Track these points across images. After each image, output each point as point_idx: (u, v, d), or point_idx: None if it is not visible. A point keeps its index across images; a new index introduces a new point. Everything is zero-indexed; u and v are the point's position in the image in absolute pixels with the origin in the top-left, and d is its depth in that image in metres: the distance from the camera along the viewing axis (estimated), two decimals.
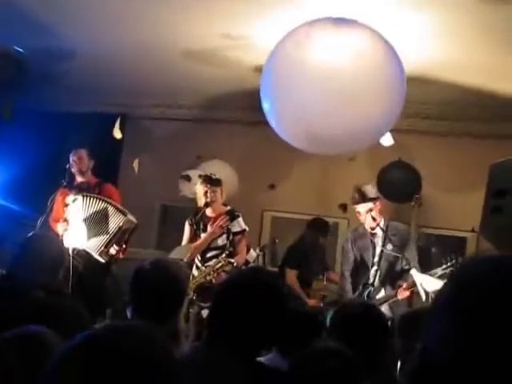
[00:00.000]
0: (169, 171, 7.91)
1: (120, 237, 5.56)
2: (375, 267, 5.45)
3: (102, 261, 5.52)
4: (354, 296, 5.46)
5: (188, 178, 7.23)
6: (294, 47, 4.10)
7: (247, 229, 5.62)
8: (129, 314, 2.80)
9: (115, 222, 5.55)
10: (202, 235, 5.51)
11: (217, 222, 5.49)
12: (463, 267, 1.20)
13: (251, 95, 6.67)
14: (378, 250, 5.44)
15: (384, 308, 5.00)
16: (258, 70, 4.58)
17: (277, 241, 7.76)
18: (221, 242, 5.50)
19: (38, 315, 2.32)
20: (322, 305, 6.24)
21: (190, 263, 5.41)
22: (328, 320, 3.13)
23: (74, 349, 1.25)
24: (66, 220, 5.56)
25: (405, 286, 5.20)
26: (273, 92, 4.30)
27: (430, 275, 5.05)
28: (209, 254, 5.49)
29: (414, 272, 5.13)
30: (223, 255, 5.32)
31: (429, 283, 4.88)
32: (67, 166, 5.89)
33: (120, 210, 5.61)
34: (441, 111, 7.30)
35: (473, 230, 6.83)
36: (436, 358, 1.11)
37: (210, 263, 5.37)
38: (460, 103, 6.96)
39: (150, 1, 4.97)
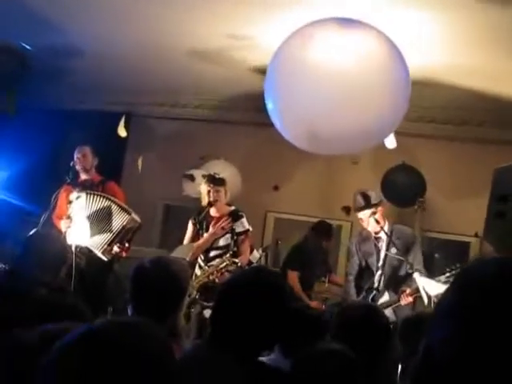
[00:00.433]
0: (172, 170, 7.92)
1: (123, 236, 5.55)
2: (380, 271, 5.43)
3: (105, 259, 5.52)
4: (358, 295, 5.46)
5: (191, 178, 7.23)
6: (298, 47, 4.10)
7: (251, 229, 5.62)
8: (129, 312, 2.79)
9: (119, 220, 5.55)
10: (205, 235, 5.51)
11: (219, 224, 5.49)
12: (467, 269, 1.20)
13: (256, 96, 6.66)
14: (383, 254, 5.43)
15: (388, 311, 4.98)
16: (263, 70, 4.58)
17: (279, 242, 7.76)
18: (224, 241, 5.49)
19: (40, 313, 2.31)
20: (323, 307, 6.24)
21: (193, 262, 5.41)
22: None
23: (70, 344, 1.24)
24: (69, 217, 5.56)
25: (408, 291, 5.17)
26: (276, 92, 4.30)
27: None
28: (212, 254, 5.49)
29: (416, 275, 5.11)
30: (227, 255, 5.32)
31: (431, 287, 4.86)
32: (71, 163, 5.89)
33: (124, 208, 5.61)
34: (445, 115, 7.29)
35: (476, 235, 6.81)
36: (439, 357, 1.11)
37: (214, 263, 5.36)
38: (465, 107, 6.96)
39: (155, 0, 4.98)
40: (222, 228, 5.49)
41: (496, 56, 5.29)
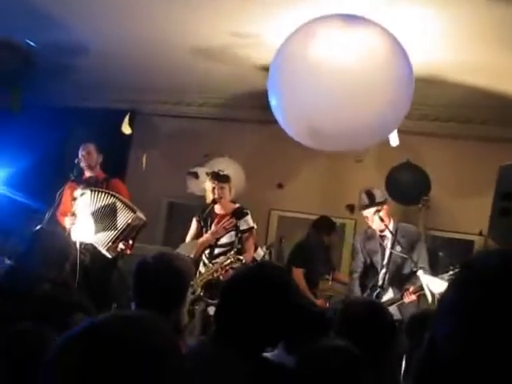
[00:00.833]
0: (177, 168, 7.92)
1: (128, 233, 5.55)
2: (384, 269, 5.43)
3: (109, 256, 5.53)
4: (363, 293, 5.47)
5: (196, 175, 7.23)
6: (301, 44, 4.11)
7: (255, 226, 5.62)
8: (133, 308, 2.80)
9: (123, 217, 5.55)
10: (208, 232, 5.52)
11: (221, 223, 5.50)
12: (468, 262, 1.20)
13: (260, 94, 6.64)
14: (387, 252, 5.43)
15: (393, 309, 4.97)
16: (267, 68, 4.58)
17: (283, 240, 7.75)
18: (229, 239, 5.49)
19: (44, 308, 2.32)
20: (327, 305, 6.23)
21: (197, 260, 5.41)
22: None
23: (72, 338, 1.23)
24: (73, 214, 5.56)
25: (411, 289, 5.17)
26: (279, 89, 4.30)
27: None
28: (216, 251, 5.49)
29: (420, 273, 5.10)
30: (232, 252, 5.33)
31: (435, 285, 4.85)
32: (76, 160, 5.91)
33: (129, 206, 5.61)
34: (449, 113, 7.28)
35: (480, 234, 6.79)
36: (442, 353, 1.10)
37: (218, 260, 5.37)
38: (469, 105, 6.95)
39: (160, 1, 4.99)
40: (224, 228, 5.49)
41: (500, 53, 5.28)
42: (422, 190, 6.95)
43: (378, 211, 5.36)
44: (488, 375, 1.03)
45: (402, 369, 3.12)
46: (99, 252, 5.52)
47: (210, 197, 5.53)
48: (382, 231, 5.44)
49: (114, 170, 6.57)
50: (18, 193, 6.97)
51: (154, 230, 8.15)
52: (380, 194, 5.50)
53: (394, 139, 6.22)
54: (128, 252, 5.59)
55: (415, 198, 6.88)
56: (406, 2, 4.49)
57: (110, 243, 5.50)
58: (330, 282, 6.73)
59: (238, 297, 2.28)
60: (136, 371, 1.18)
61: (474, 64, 5.58)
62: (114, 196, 5.61)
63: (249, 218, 5.56)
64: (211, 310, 5.03)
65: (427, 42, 5.16)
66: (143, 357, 1.20)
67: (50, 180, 6.49)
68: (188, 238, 5.64)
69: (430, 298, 4.94)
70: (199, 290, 5.15)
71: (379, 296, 5.38)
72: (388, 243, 5.43)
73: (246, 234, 5.52)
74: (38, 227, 4.42)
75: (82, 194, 5.59)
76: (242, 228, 5.51)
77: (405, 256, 5.31)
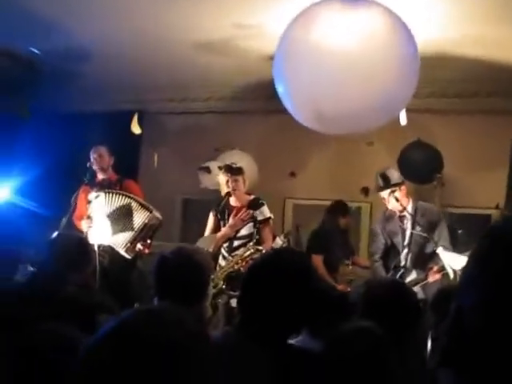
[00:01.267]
0: (188, 164, 7.92)
1: (146, 233, 5.57)
2: (406, 250, 5.42)
3: (128, 257, 5.55)
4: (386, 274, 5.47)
5: (208, 170, 7.24)
6: (301, 29, 4.11)
7: (272, 216, 5.62)
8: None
9: (140, 217, 5.56)
10: (226, 226, 5.53)
11: (239, 215, 5.50)
12: (487, 231, 1.19)
13: (266, 84, 6.64)
14: (408, 232, 5.42)
15: (416, 289, 4.97)
16: (271, 58, 4.58)
17: (300, 228, 7.76)
18: (247, 230, 5.50)
19: (68, 310, 2.34)
20: (349, 289, 6.22)
21: (216, 253, 5.43)
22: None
23: (102, 338, 1.24)
24: (89, 217, 5.59)
25: (435, 268, 5.16)
26: (284, 75, 4.31)
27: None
28: (235, 244, 5.51)
29: (440, 251, 5.09)
30: (251, 243, 5.34)
31: (456, 261, 4.84)
32: (88, 163, 5.92)
33: (144, 205, 5.62)
34: (457, 89, 7.21)
35: (497, 207, 6.77)
36: (467, 325, 1.10)
37: (238, 252, 5.38)
38: (475, 79, 6.87)
39: None
40: (242, 220, 5.50)
41: (503, 24, 5.21)
42: (435, 168, 6.91)
43: (393, 192, 5.35)
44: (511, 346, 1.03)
45: (428, 347, 3.11)
46: (118, 253, 5.54)
47: (224, 190, 5.54)
48: (401, 212, 5.43)
49: (126, 170, 6.59)
50: (32, 201, 7.00)
51: (170, 228, 8.17)
52: (397, 175, 5.49)
53: (402, 118, 6.20)
54: (146, 251, 5.60)
55: (428, 176, 6.85)
56: None
57: (129, 244, 5.51)
58: (350, 267, 6.74)
59: (259, 285, 2.28)
60: (164, 365, 1.19)
61: (478, 37, 5.53)
62: (129, 196, 5.63)
63: (265, 208, 5.56)
64: (234, 302, 5.04)
65: (430, 18, 5.12)
66: (171, 350, 1.20)
67: (63, 185, 6.52)
68: (207, 233, 5.65)
69: (451, 275, 4.93)
70: (221, 283, 5.17)
71: (403, 277, 5.37)
72: (408, 223, 5.42)
73: (264, 225, 5.53)
74: (56, 232, 4.43)
75: (96, 197, 5.61)
76: (258, 219, 5.51)
77: (425, 235, 5.29)
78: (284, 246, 5.29)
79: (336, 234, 6.85)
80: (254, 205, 5.54)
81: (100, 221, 5.55)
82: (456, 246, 5.51)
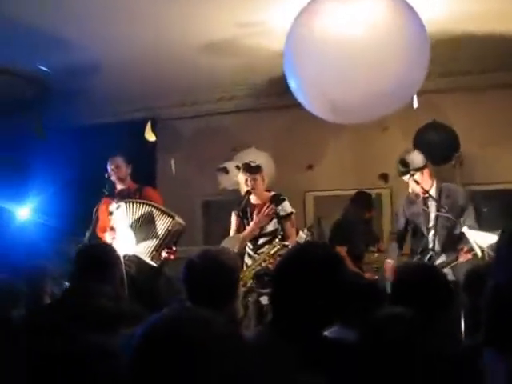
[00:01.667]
0: (205, 166, 7.95)
1: (170, 240, 5.56)
2: (432, 231, 5.39)
3: (155, 265, 5.55)
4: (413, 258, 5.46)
5: (226, 171, 7.25)
6: (308, 23, 4.11)
7: (294, 211, 5.61)
8: None
9: (163, 224, 5.55)
10: (250, 224, 5.52)
11: (262, 211, 5.49)
12: None
13: (276, 80, 6.67)
14: (432, 215, 5.39)
15: (445, 271, 4.95)
16: (278, 54, 4.58)
17: (322, 220, 7.75)
18: (271, 227, 5.50)
19: (103, 322, 2.36)
20: (376, 277, 6.21)
21: (241, 252, 5.43)
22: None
23: (136, 343, 1.25)
24: (112, 228, 5.62)
25: (466, 248, 5.12)
26: (295, 70, 4.31)
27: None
28: (260, 241, 5.50)
29: (465, 230, 5.06)
30: (276, 240, 5.34)
31: (483, 239, 4.81)
32: (106, 175, 5.95)
33: (166, 212, 5.60)
34: (465, 66, 7.14)
35: None
36: (506, 299, 1.10)
37: (264, 249, 5.38)
38: (483, 55, 6.81)
39: (161, 2, 4.99)
40: (267, 215, 5.50)
41: None
42: (452, 147, 6.87)
43: (413, 176, 5.33)
44: None
45: (462, 327, 3.10)
46: (144, 262, 5.54)
47: (244, 189, 5.54)
48: (424, 194, 5.40)
49: (144, 178, 6.60)
50: (53, 218, 7.04)
51: (193, 231, 8.19)
52: (417, 159, 5.44)
53: (414, 101, 6.17)
54: (172, 257, 5.60)
55: (446, 156, 6.81)
56: None
57: (154, 252, 5.50)
58: (376, 254, 6.72)
59: (287, 281, 2.28)
60: (191, 366, 1.20)
61: (482, 13, 5.48)
62: (150, 204, 5.63)
63: (286, 203, 5.56)
64: (264, 300, 5.06)
65: None
66: (197, 352, 1.21)
67: (83, 199, 6.55)
68: (232, 233, 5.65)
69: (479, 253, 4.90)
70: (250, 281, 5.17)
71: (431, 260, 5.34)
72: (432, 206, 5.40)
73: (286, 220, 5.52)
74: (80, 245, 4.46)
75: (117, 208, 5.62)
76: (281, 214, 5.51)
77: (450, 217, 5.26)
78: (308, 239, 5.28)
79: (359, 225, 6.86)
80: (275, 201, 5.53)
81: (123, 231, 5.56)
82: (482, 225, 5.47)
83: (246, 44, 6.07)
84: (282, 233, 5.46)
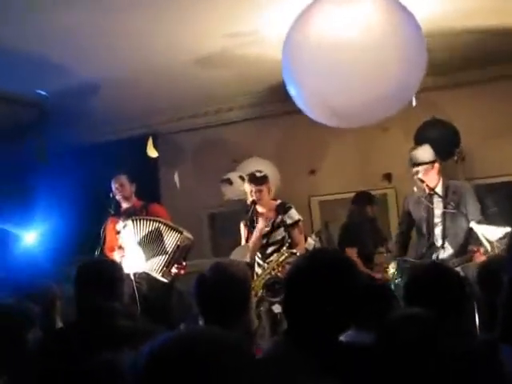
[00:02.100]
0: (209, 179, 7.97)
1: (179, 255, 5.56)
2: (440, 227, 5.38)
3: (166, 281, 5.54)
4: (419, 258, 5.44)
5: (229, 182, 7.26)
6: (302, 30, 4.12)
7: (301, 219, 5.61)
8: (201, 323, 2.81)
9: (171, 240, 5.54)
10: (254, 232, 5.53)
11: (262, 217, 5.51)
12: None
13: (273, 88, 6.69)
14: (438, 211, 5.38)
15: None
16: (274, 61, 4.60)
17: (329, 224, 7.75)
18: (279, 235, 5.50)
19: (123, 340, 2.36)
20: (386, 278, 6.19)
21: (251, 262, 5.43)
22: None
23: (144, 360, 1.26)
24: (120, 247, 5.63)
25: (482, 250, 5.09)
26: (293, 77, 4.32)
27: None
28: (269, 250, 5.51)
29: (473, 224, 5.06)
30: (284, 248, 5.33)
31: (491, 233, 4.80)
32: (111, 194, 5.96)
33: (173, 227, 5.60)
34: (462, 61, 7.13)
35: None
36: None
37: (272, 258, 5.38)
38: (480, 49, 6.78)
39: (151, 19, 5.02)
40: (266, 219, 5.50)
41: None
42: (453, 143, 6.87)
43: (416, 173, 5.34)
44: None
45: (477, 323, 3.10)
46: (155, 278, 5.54)
47: (250, 198, 5.54)
48: (430, 190, 5.39)
49: (148, 195, 6.60)
50: (60, 240, 7.04)
51: (201, 244, 8.20)
52: (421, 155, 5.44)
53: (413, 100, 6.17)
54: (182, 273, 5.60)
55: (448, 152, 6.80)
56: None
57: (164, 268, 5.49)
58: (386, 254, 6.71)
59: (298, 289, 2.28)
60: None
61: (476, 9, 5.49)
62: (156, 221, 5.62)
63: (293, 211, 5.56)
64: (276, 308, 5.05)
65: None
66: (210, 372, 1.21)
67: (89, 220, 6.58)
68: (243, 243, 5.65)
69: (488, 248, 4.89)
70: (260, 290, 5.17)
71: (438, 255, 5.33)
72: (438, 202, 5.39)
73: (294, 228, 5.52)
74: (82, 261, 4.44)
75: (124, 227, 5.62)
76: (288, 222, 5.50)
77: (457, 213, 5.25)
78: (316, 245, 5.28)
79: (365, 225, 6.87)
80: (282, 209, 5.54)
81: (132, 249, 5.56)
82: (487, 218, 5.46)
83: (239, 54, 6.08)
84: (289, 240, 5.45)
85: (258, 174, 5.56)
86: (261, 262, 5.49)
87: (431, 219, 5.42)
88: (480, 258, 5.07)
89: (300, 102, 4.33)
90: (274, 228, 5.54)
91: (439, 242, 5.37)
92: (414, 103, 5.68)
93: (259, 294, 5.15)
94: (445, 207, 5.33)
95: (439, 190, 5.39)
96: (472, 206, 5.34)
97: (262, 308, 5.22)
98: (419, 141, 6.73)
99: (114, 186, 6.00)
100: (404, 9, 4.09)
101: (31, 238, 6.83)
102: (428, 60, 4.26)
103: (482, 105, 7.26)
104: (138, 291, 5.35)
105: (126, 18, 4.94)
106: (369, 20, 3.91)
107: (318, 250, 4.28)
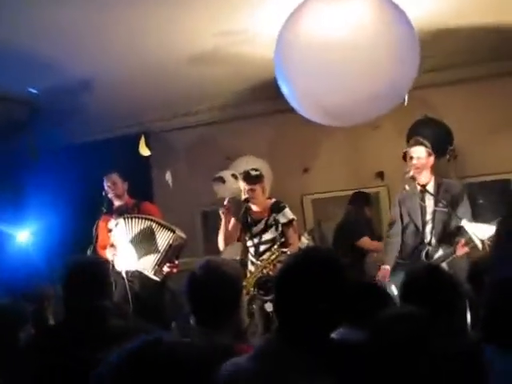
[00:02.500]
0: (201, 177, 7.95)
1: (172, 254, 5.55)
2: (430, 225, 5.39)
3: (158, 279, 5.54)
4: (408, 255, 5.45)
5: (222, 180, 7.24)
6: (294, 29, 4.13)
7: (295, 218, 5.60)
8: (192, 322, 2.81)
9: (163, 238, 5.53)
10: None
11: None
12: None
13: (265, 86, 6.67)
14: (430, 209, 5.39)
15: (443, 265, 4.96)
16: (266, 59, 4.59)
17: (322, 223, 7.75)
18: (272, 234, 5.50)
19: (116, 340, 2.35)
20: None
21: (243, 260, 5.44)
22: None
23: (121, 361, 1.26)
24: (112, 245, 5.62)
25: (463, 241, 5.11)
26: (285, 76, 4.33)
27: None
28: (262, 248, 5.50)
29: (464, 222, 5.07)
30: (275, 246, 5.33)
31: (482, 231, 4.81)
32: (103, 192, 5.95)
33: (166, 226, 5.59)
34: (455, 59, 7.14)
35: None
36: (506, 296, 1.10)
37: (264, 257, 5.38)
38: (472, 47, 6.80)
39: (144, 17, 5.01)
40: (226, 209, 5.57)
41: None
42: (446, 142, 6.87)
43: (408, 171, 5.36)
44: None
45: (468, 322, 3.10)
46: (147, 277, 5.53)
47: (244, 196, 5.53)
48: (422, 187, 5.40)
49: (140, 193, 6.60)
50: (52, 238, 7.03)
51: (193, 242, 8.18)
52: (417, 147, 5.46)
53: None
54: (174, 271, 5.59)
55: (440, 150, 6.80)
56: None
57: (156, 266, 5.49)
58: (376, 254, 6.72)
59: (290, 287, 2.28)
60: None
61: (470, 5, 5.50)
62: (148, 219, 5.62)
63: (287, 210, 5.54)
64: (268, 307, 5.05)
65: None
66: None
67: (81, 218, 6.57)
68: (220, 233, 5.65)
69: (479, 245, 4.90)
70: (252, 288, 5.17)
71: (429, 254, 5.35)
72: (430, 200, 5.40)
73: (288, 227, 5.51)
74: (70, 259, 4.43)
75: (116, 225, 5.62)
76: (282, 221, 5.49)
77: (448, 212, 5.26)
78: (309, 243, 5.29)
79: (361, 224, 6.87)
80: (276, 208, 5.53)
81: (124, 247, 5.55)
82: (478, 217, 5.48)
83: (231, 52, 6.07)
84: (282, 240, 5.44)
85: (252, 173, 5.54)
86: (254, 260, 5.49)
87: (422, 217, 5.44)
88: (462, 249, 5.10)
89: (293, 101, 4.33)
90: (267, 226, 5.53)
91: (429, 240, 5.38)
92: (405, 102, 5.69)
93: (251, 292, 5.16)
94: (436, 205, 5.34)
95: (431, 187, 5.40)
96: (463, 207, 5.35)
97: (254, 306, 5.23)
98: (411, 138, 6.74)
99: (106, 184, 6.00)
100: (396, 7, 4.09)
101: (24, 236, 6.82)
102: (422, 58, 4.27)
103: (474, 103, 7.27)
104: (130, 289, 5.35)
105: (118, 15, 4.92)
106: (360, 19, 3.91)
107: (310, 248, 4.28)
